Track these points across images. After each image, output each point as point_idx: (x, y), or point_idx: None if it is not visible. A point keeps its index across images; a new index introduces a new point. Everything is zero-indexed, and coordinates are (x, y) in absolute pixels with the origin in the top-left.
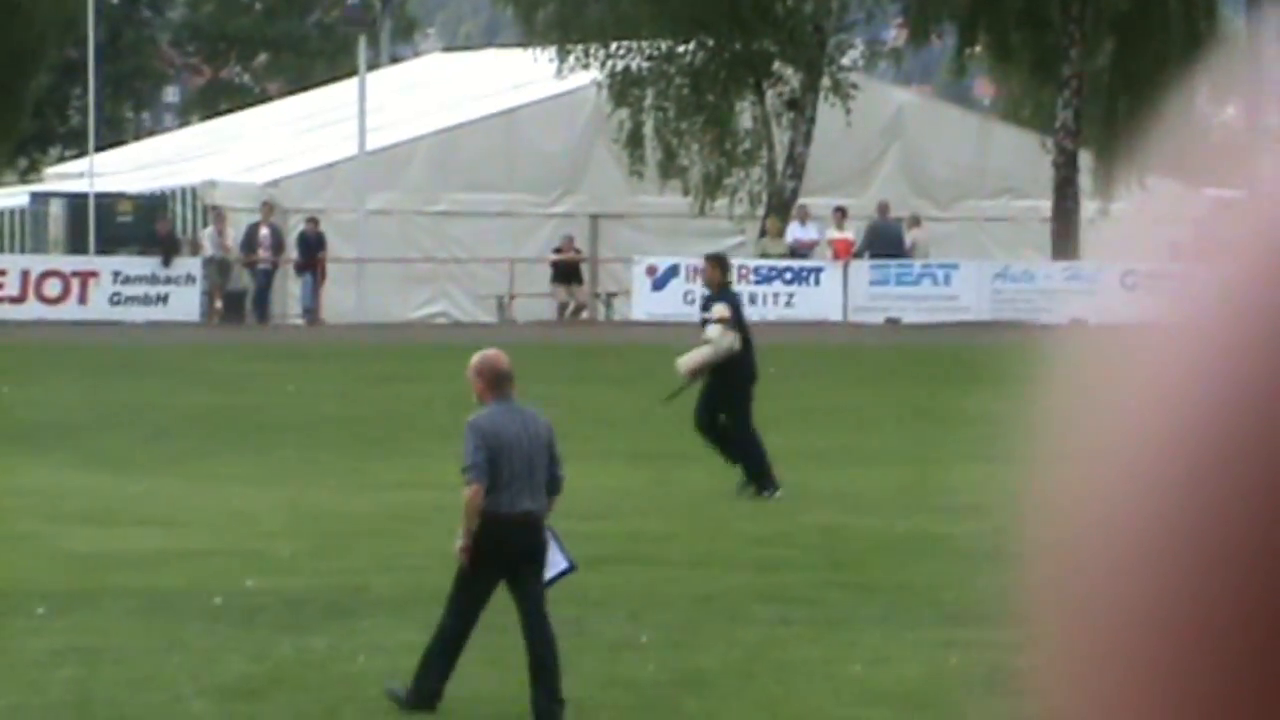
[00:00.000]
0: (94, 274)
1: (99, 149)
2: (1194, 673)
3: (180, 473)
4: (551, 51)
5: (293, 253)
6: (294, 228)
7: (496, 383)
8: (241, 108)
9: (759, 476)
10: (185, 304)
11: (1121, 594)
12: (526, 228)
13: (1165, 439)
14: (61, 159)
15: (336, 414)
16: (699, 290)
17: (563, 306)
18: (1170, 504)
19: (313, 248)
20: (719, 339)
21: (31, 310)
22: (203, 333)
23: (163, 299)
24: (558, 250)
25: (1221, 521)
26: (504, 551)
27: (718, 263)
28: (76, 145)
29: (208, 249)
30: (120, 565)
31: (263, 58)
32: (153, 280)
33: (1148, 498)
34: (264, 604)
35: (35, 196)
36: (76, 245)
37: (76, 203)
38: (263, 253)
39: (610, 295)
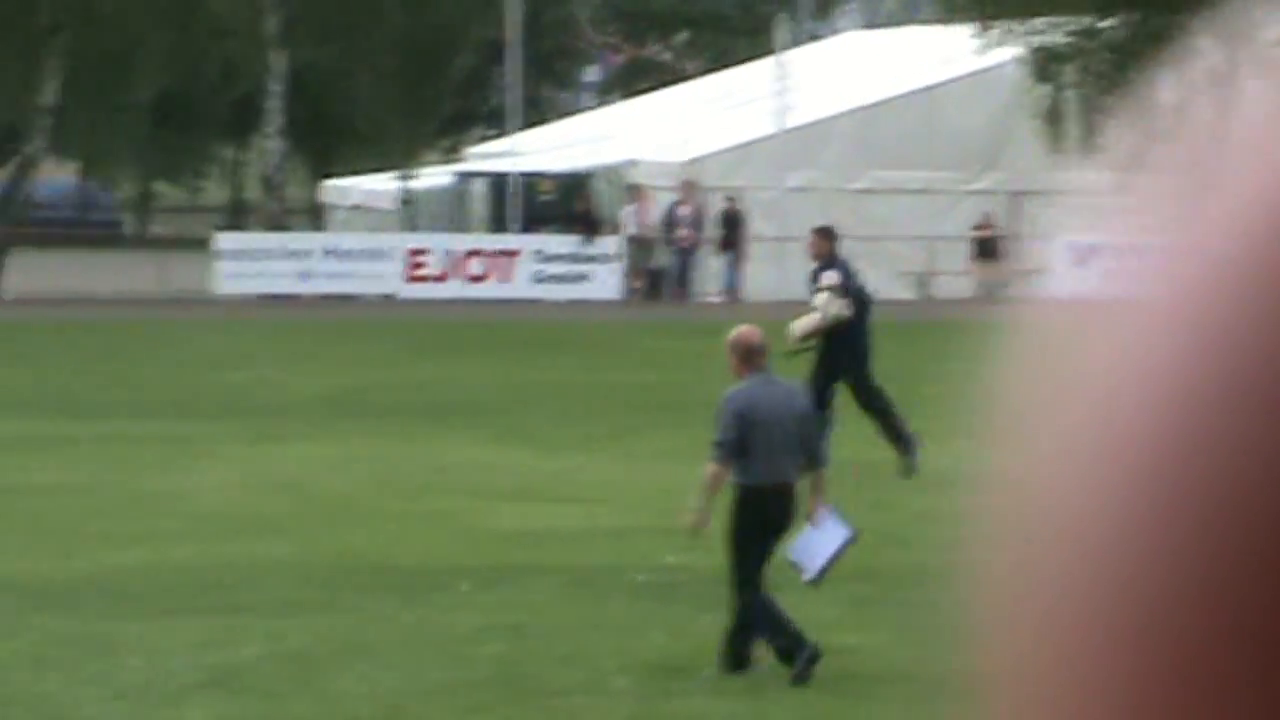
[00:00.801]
0: (516, 253)
1: (521, 128)
2: (1160, 681)
3: (600, 450)
4: (972, 28)
5: (713, 230)
6: (714, 206)
7: (749, 357)
8: (661, 86)
9: (896, 436)
10: (606, 282)
11: (1082, 594)
12: (946, 205)
13: (1134, 424)
14: (483, 139)
15: None
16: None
17: (983, 284)
18: (1137, 497)
19: (733, 225)
20: (827, 306)
21: (454, 289)
22: (623, 311)
23: (583, 277)
24: (977, 227)
25: (1197, 516)
26: (765, 520)
27: (824, 234)
28: (498, 125)
29: (628, 227)
30: (542, 542)
31: (683, 36)
32: (574, 259)
33: (1114, 491)
34: (684, 581)
35: (458, 176)
36: (498, 224)
37: (499, 182)
38: (683, 231)
39: (1030, 273)
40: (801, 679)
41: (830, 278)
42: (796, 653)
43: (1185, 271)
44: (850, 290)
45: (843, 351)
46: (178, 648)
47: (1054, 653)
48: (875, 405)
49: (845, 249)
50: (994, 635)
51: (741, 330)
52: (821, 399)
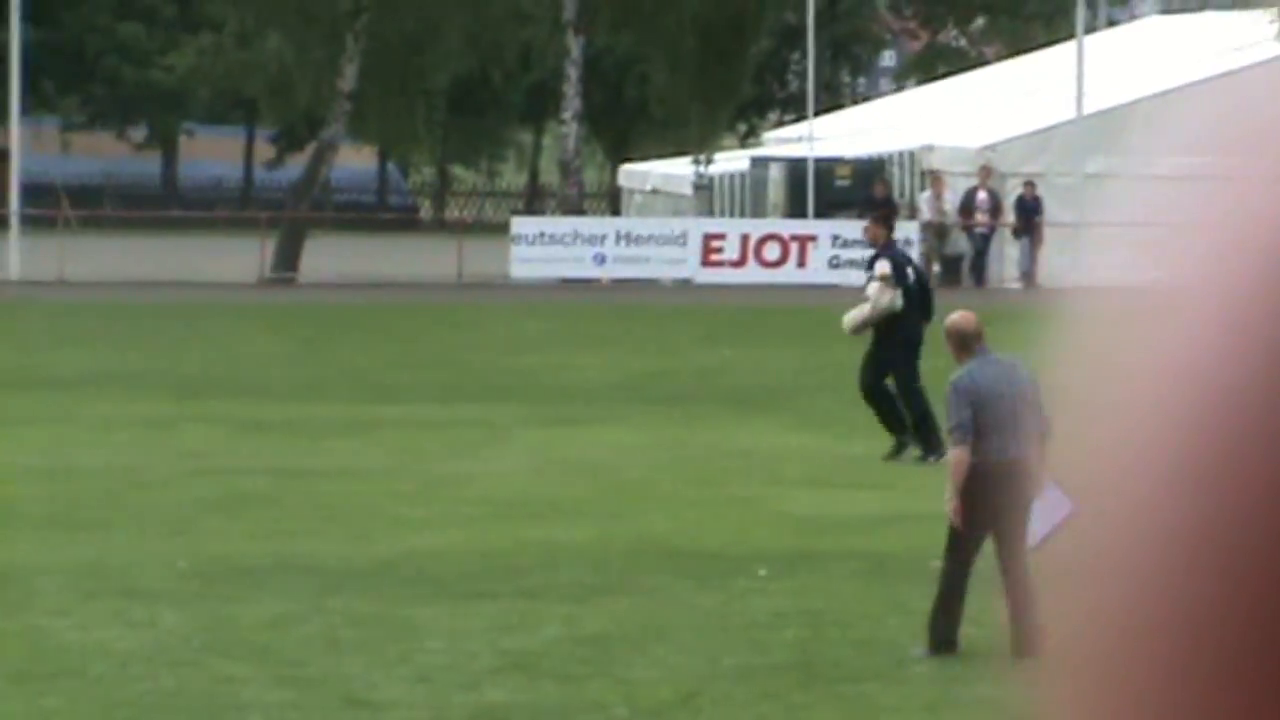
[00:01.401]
0: (812, 237)
1: (817, 113)
2: (1205, 677)
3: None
4: (1271, 13)
5: (1010, 216)
6: (1011, 191)
7: (963, 343)
8: (958, 71)
9: (925, 438)
10: None
11: (1123, 595)
12: None
13: (1177, 420)
14: (780, 124)
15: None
16: None
17: None
18: (1183, 492)
19: (1030, 211)
20: (878, 296)
21: (751, 274)
22: None
23: None
24: None
25: (1242, 515)
26: (990, 500)
27: (881, 220)
28: (795, 110)
29: (925, 213)
30: (840, 528)
31: (980, 21)
32: (870, 244)
33: (1158, 487)
34: (981, 567)
35: (755, 161)
36: (795, 209)
37: (795, 167)
38: (980, 216)
39: None
40: (912, 660)
41: (883, 266)
42: (934, 639)
43: (1234, 261)
44: (903, 280)
45: (894, 345)
46: (476, 631)
47: (1104, 646)
48: (912, 405)
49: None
50: (1054, 628)
51: (955, 318)
52: (874, 392)
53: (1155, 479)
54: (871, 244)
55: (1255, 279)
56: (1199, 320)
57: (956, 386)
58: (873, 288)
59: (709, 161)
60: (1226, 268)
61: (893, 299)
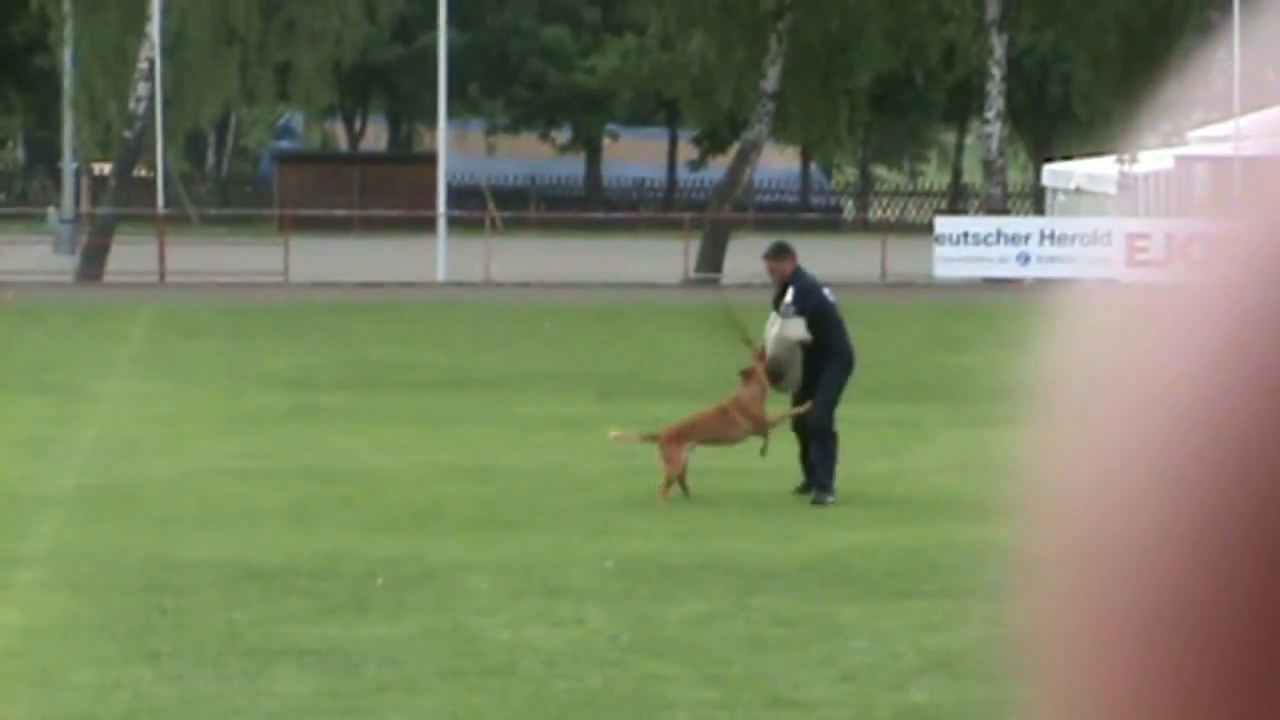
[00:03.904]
0: None
1: (1244, 112)
2: (1199, 676)
3: None
4: None
5: None
6: None
7: None
8: None
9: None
10: None
11: (1126, 594)
12: None
13: (1183, 417)
14: (1205, 122)
15: None
16: None
17: None
18: (1187, 491)
19: None
20: (791, 332)
21: (1175, 274)
22: None
23: None
24: None
25: (1246, 514)
26: None
27: (783, 253)
28: (1221, 108)
29: None
30: None
31: None
32: None
33: (1163, 485)
34: None
35: (1179, 159)
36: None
37: (1221, 166)
38: None
39: None
40: None
41: (788, 298)
42: None
43: (1237, 260)
44: (808, 310)
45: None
46: (900, 630)
47: (1095, 643)
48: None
49: None
50: (1039, 628)
51: None
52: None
53: (1150, 479)
54: (776, 283)
55: (1256, 280)
56: (1200, 319)
57: None
58: (784, 325)
59: (1133, 160)
60: (1229, 267)
61: (800, 330)
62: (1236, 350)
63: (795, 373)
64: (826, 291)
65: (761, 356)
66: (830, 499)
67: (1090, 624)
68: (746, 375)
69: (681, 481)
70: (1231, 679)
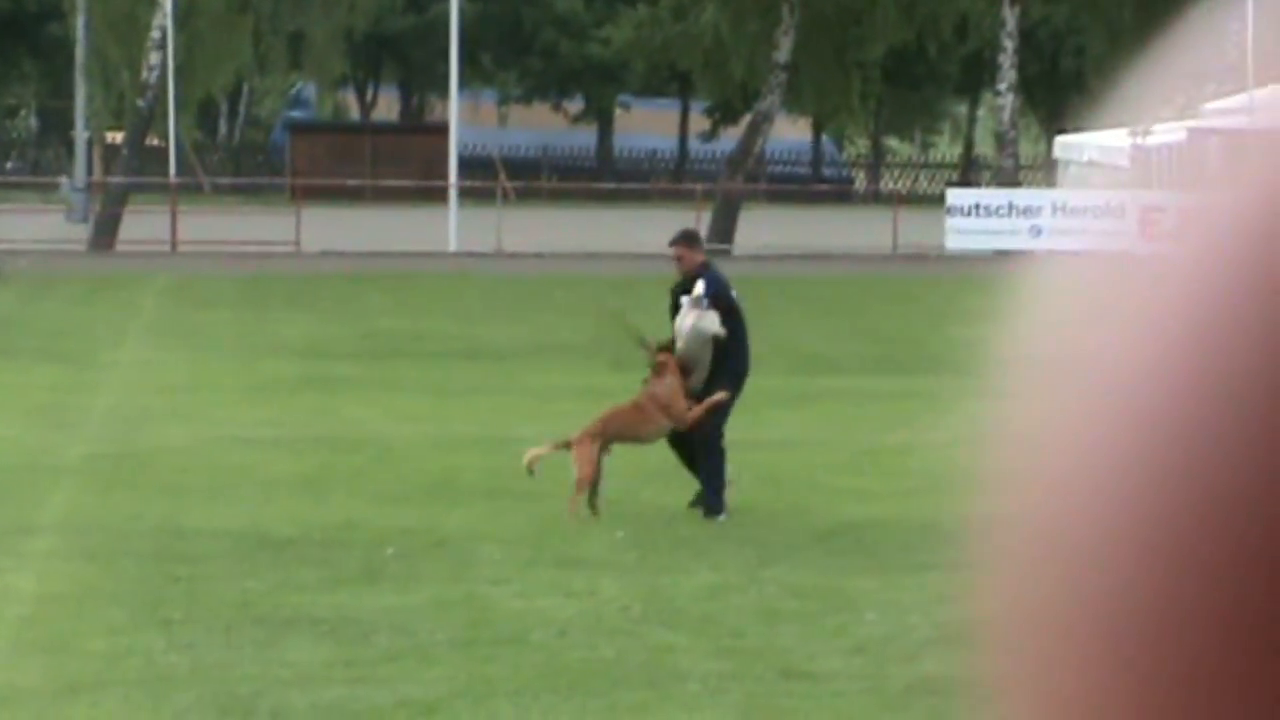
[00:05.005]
0: None
1: (1258, 84)
2: (1161, 672)
3: None
4: None
5: None
6: None
7: None
8: None
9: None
10: None
11: (1093, 587)
12: None
13: (1148, 402)
14: (1219, 94)
15: None
16: None
17: None
18: (1149, 478)
19: None
20: (705, 324)
21: None
22: None
23: None
24: None
25: (1209, 501)
26: None
27: (690, 241)
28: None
29: None
30: None
31: None
32: None
33: (1125, 474)
34: None
35: (1192, 132)
36: None
37: (1234, 139)
38: None
39: None
40: None
41: (699, 289)
42: None
43: (1214, 239)
44: (722, 306)
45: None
46: (913, 603)
47: (1054, 640)
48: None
49: None
50: (995, 621)
51: None
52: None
53: (1111, 466)
54: (683, 271)
55: (1233, 260)
56: (1169, 299)
57: None
58: (695, 315)
59: (1147, 133)
60: (1200, 244)
61: (715, 323)
62: (1203, 334)
63: (703, 371)
64: (735, 293)
65: (666, 350)
66: (722, 517)
67: (1048, 612)
68: (658, 369)
69: (593, 489)
70: (1191, 669)
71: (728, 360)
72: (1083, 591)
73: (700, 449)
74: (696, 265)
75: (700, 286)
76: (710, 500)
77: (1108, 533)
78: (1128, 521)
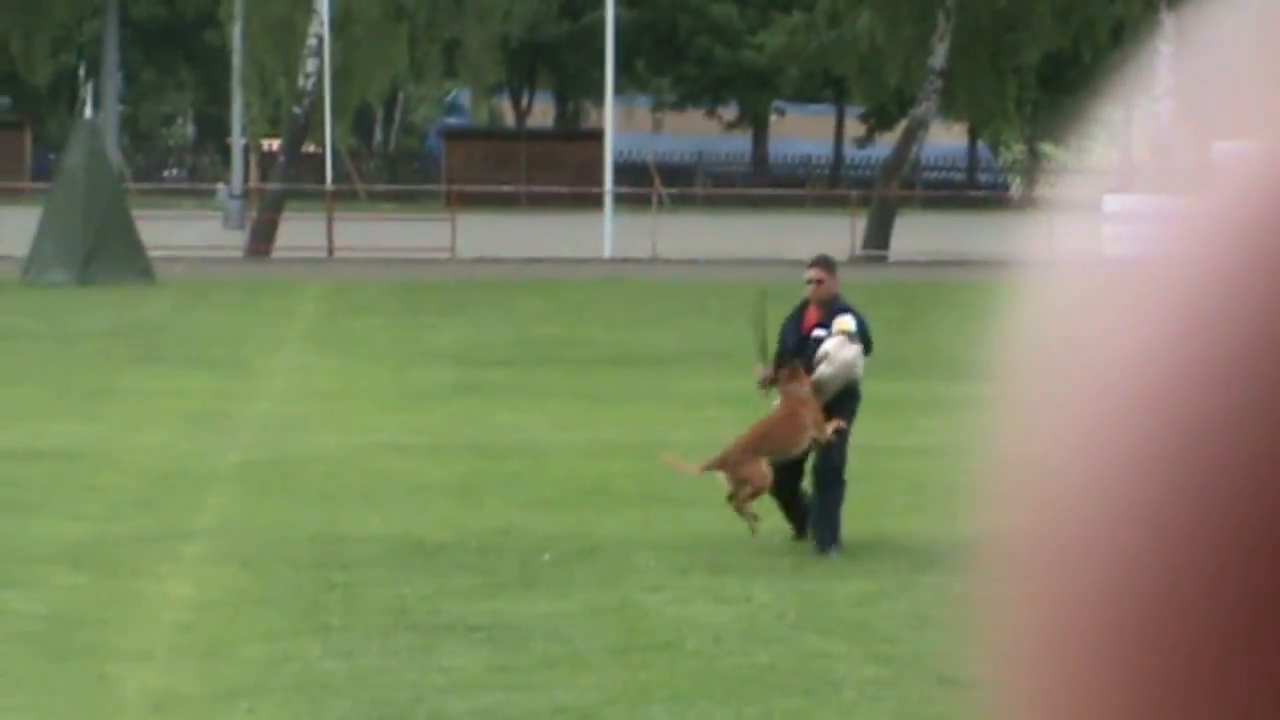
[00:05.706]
0: None
1: None
2: (1159, 670)
3: None
4: None
5: None
6: None
7: None
8: None
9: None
10: None
11: (1084, 586)
12: None
13: (1144, 397)
14: None
15: None
16: None
17: None
18: (1146, 472)
19: None
20: (850, 355)
21: None
22: None
23: None
24: None
25: (1207, 495)
26: None
27: (829, 266)
28: None
29: None
30: None
31: None
32: None
33: (1122, 471)
34: None
35: None
36: None
37: None
38: None
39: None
40: None
41: (845, 322)
42: None
43: (1213, 233)
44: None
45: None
46: None
47: (1053, 641)
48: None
49: None
50: (997, 622)
51: None
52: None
53: (1108, 461)
54: (820, 301)
55: (1233, 254)
56: (1165, 295)
57: None
58: (834, 343)
59: None
60: (1205, 240)
61: (859, 358)
62: (1200, 329)
63: (822, 403)
64: None
65: (787, 367)
66: (836, 553)
67: (1049, 607)
68: (790, 376)
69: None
70: (1190, 663)
71: (847, 399)
72: (1082, 590)
73: (824, 477)
74: (832, 294)
75: (852, 323)
76: (827, 536)
77: (1107, 532)
78: (1128, 521)
